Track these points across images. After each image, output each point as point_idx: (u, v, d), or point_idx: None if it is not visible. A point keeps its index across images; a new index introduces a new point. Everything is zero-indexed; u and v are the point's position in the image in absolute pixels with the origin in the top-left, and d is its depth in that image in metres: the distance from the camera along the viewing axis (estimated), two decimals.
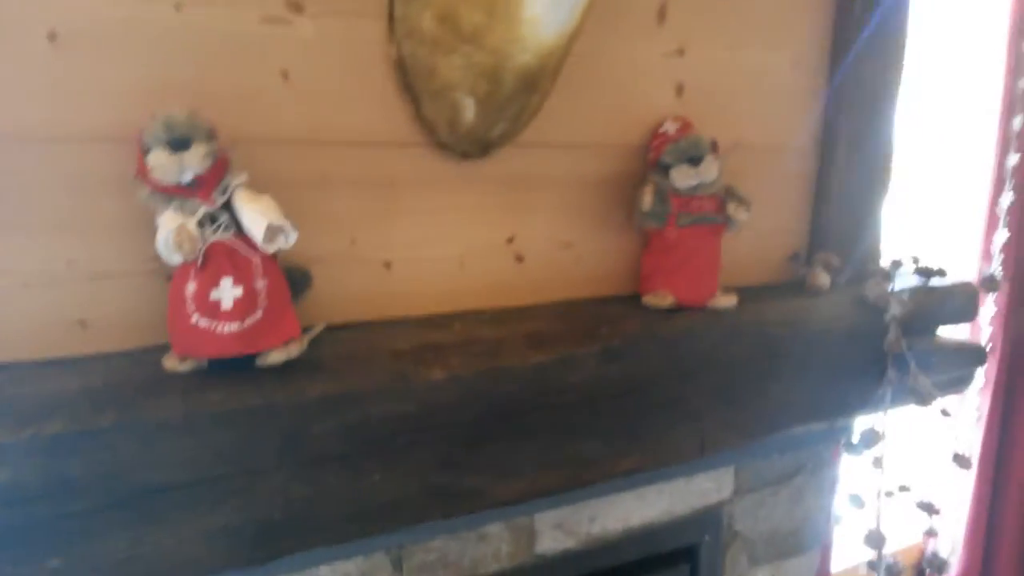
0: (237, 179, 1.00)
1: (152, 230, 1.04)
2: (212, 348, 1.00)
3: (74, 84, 0.99)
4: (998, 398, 2.34)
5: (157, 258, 1.05)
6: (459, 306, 1.30)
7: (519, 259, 1.34)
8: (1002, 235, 2.24)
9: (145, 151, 0.96)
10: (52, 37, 0.97)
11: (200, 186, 0.97)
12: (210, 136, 0.98)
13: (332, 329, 1.18)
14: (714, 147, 1.32)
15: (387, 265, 1.23)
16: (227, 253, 0.98)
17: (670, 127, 1.35)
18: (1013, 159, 2.20)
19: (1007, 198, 2.23)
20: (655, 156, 1.34)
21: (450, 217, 1.27)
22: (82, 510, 0.90)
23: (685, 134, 1.33)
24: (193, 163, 0.95)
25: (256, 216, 0.97)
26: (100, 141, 1.01)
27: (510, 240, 1.33)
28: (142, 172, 0.97)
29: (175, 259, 0.97)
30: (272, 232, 0.98)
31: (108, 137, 1.01)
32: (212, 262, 0.98)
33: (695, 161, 1.29)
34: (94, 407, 0.91)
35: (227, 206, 1.00)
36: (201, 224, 0.97)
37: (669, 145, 1.31)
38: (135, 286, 1.07)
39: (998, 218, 2.24)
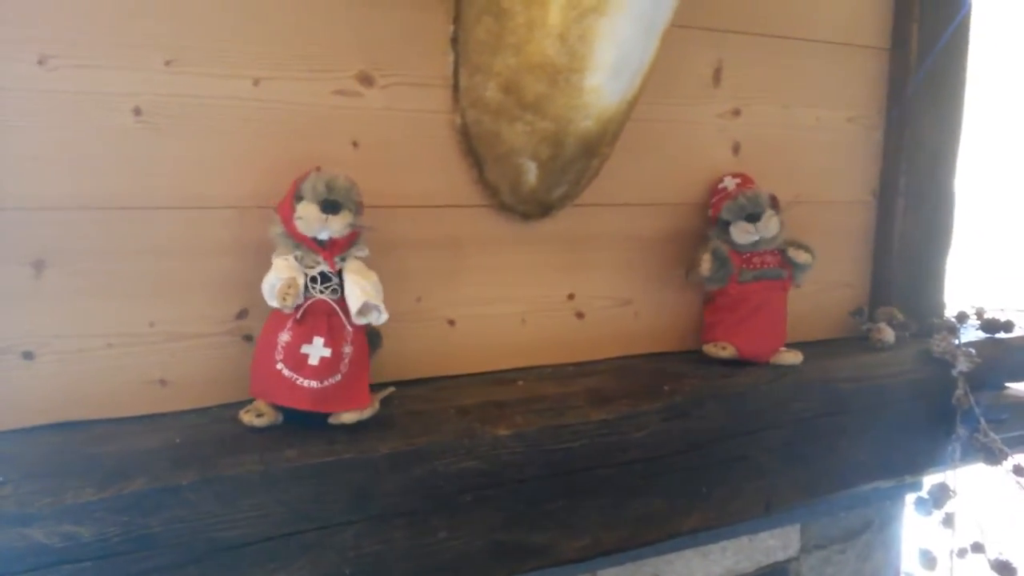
0: (360, 251, 1.07)
1: (229, 293, 1.09)
2: (287, 398, 1.03)
3: (156, 157, 1.05)
4: None
5: (236, 319, 1.10)
6: (521, 362, 1.32)
7: (579, 316, 1.36)
8: None
9: (297, 197, 1.02)
10: (137, 112, 1.04)
11: (329, 247, 1.04)
12: (358, 209, 1.05)
13: (399, 384, 1.21)
14: (774, 202, 1.33)
15: (451, 323, 1.26)
16: (326, 313, 1.03)
17: (729, 183, 1.37)
18: None
19: None
20: (715, 213, 1.35)
21: (512, 276, 1.30)
22: (162, 566, 0.93)
23: (744, 190, 1.34)
24: (335, 227, 1.02)
25: (357, 290, 1.03)
26: (180, 209, 1.07)
27: (570, 297, 1.35)
28: (285, 213, 1.03)
29: (273, 304, 1.02)
30: (366, 309, 1.03)
31: (187, 206, 1.07)
32: (310, 318, 1.03)
33: (754, 218, 1.30)
34: (174, 464, 0.94)
35: (340, 272, 1.05)
36: (313, 280, 1.03)
37: (728, 202, 1.32)
38: (212, 346, 1.11)
39: None
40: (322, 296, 1.04)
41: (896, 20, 1.56)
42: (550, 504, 1.15)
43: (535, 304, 1.32)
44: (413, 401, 1.16)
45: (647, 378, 1.30)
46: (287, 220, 1.04)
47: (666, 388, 1.26)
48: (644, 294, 1.41)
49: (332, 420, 1.05)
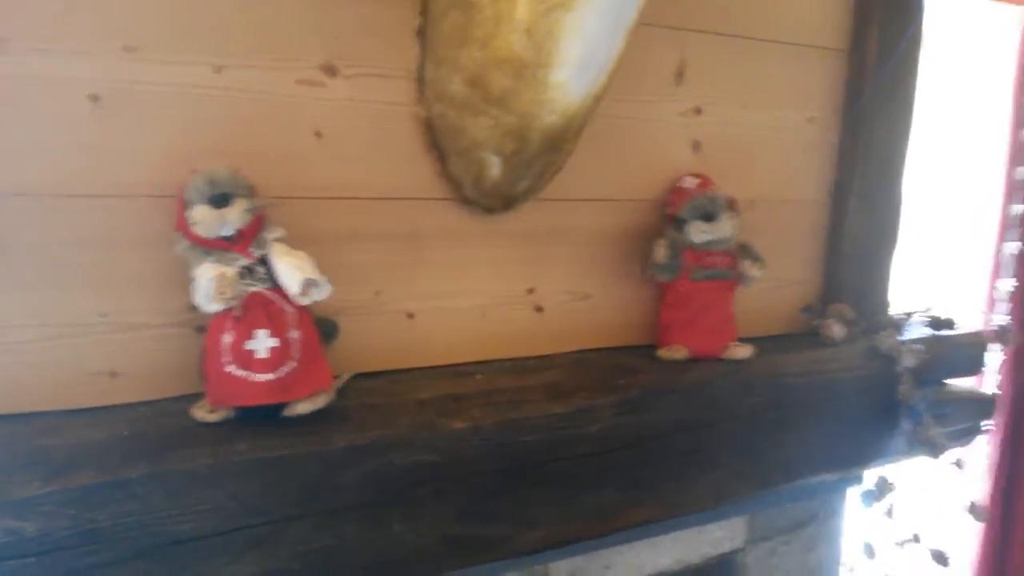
0: (273, 234, 1.04)
1: (182, 283, 1.07)
2: (246, 396, 1.02)
3: (113, 144, 1.02)
4: (1005, 446, 2.34)
5: (187, 310, 1.08)
6: (480, 356, 1.33)
7: (539, 310, 1.37)
8: (1008, 283, 2.25)
9: (187, 206, 0.99)
10: (94, 99, 1.01)
11: (238, 240, 1.01)
12: (250, 193, 1.02)
13: (357, 378, 1.21)
14: (731, 205, 1.35)
15: (411, 316, 1.26)
16: (263, 304, 1.01)
17: (689, 182, 1.38)
18: (1018, 208, 2.23)
19: (1013, 247, 2.25)
20: (673, 211, 1.37)
21: (472, 269, 1.29)
22: (108, 560, 0.91)
23: (703, 190, 1.36)
24: (233, 218, 0.99)
25: (292, 270, 1.00)
26: (136, 198, 1.05)
27: (530, 291, 1.35)
28: (182, 226, 1.00)
29: (213, 307, 1.00)
30: (307, 285, 1.01)
31: (144, 194, 1.05)
32: (248, 314, 1.01)
33: (710, 218, 1.32)
34: (123, 458, 0.93)
35: (263, 260, 1.03)
36: (240, 276, 1.00)
37: (686, 201, 1.34)
38: (164, 337, 1.09)
39: (1002, 266, 2.27)
40: (252, 288, 1.02)
41: (855, 23, 1.59)
42: (505, 497, 1.16)
43: (495, 298, 1.32)
44: (370, 394, 1.16)
45: (604, 372, 1.31)
46: (187, 232, 1.00)
47: (621, 382, 1.27)
48: (603, 289, 1.42)
49: (287, 412, 1.04)
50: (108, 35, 1.00)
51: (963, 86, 2.28)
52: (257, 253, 1.02)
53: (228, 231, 1.00)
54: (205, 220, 0.98)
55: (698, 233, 1.32)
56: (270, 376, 1.01)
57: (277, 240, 1.04)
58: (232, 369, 1.01)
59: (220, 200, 0.99)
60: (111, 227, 1.04)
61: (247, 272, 1.01)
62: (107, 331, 1.06)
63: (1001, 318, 2.17)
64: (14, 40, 0.95)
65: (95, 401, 1.06)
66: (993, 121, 2.24)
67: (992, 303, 2.28)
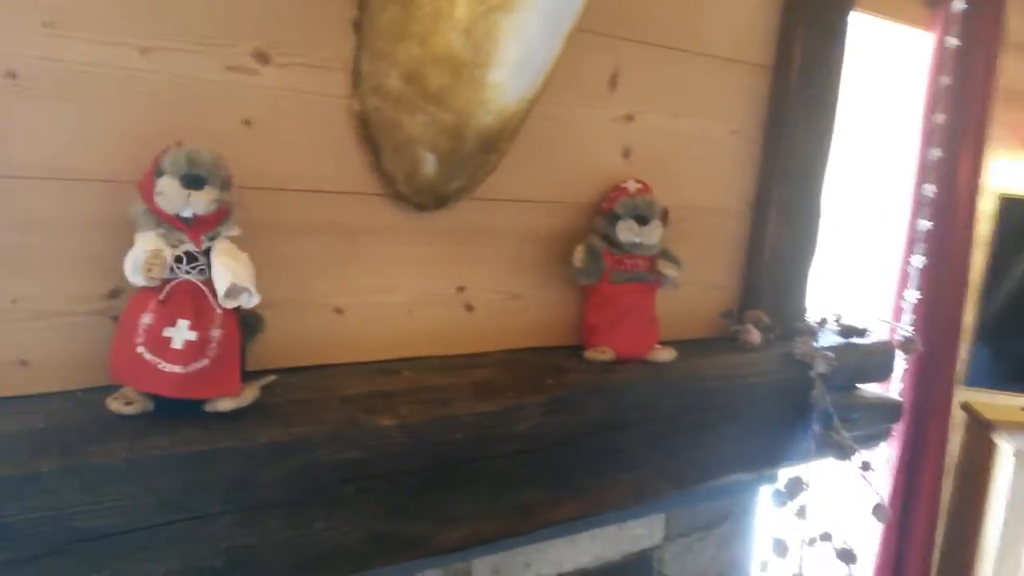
0: (229, 231, 1.02)
1: (100, 269, 1.04)
2: (149, 383, 0.99)
3: (31, 124, 0.98)
4: (906, 449, 2.47)
5: (106, 298, 1.04)
6: (409, 352, 1.32)
7: (469, 308, 1.37)
8: (913, 295, 2.38)
9: (158, 173, 0.96)
10: (11, 76, 0.96)
11: (194, 225, 0.99)
12: (224, 184, 1.00)
13: (283, 372, 1.18)
14: (664, 215, 1.39)
15: (339, 311, 1.25)
16: (192, 295, 0.99)
17: (631, 185, 1.42)
18: (924, 224, 2.35)
19: (918, 260, 2.37)
20: (608, 206, 1.40)
21: (403, 266, 1.29)
22: (19, 558, 0.87)
23: (643, 195, 1.39)
24: (199, 203, 0.97)
25: (225, 271, 0.98)
26: (52, 180, 1.00)
27: (460, 289, 1.36)
28: (145, 189, 0.97)
29: (138, 280, 0.97)
30: (235, 291, 0.99)
31: (61, 177, 1.01)
32: (175, 300, 0.98)
33: (643, 220, 1.35)
34: (35, 451, 0.89)
35: (208, 251, 1.00)
36: (179, 260, 0.98)
37: (624, 198, 1.37)
38: (80, 326, 1.05)
39: (909, 278, 2.39)
40: (188, 277, 0.99)
41: (780, 40, 1.65)
42: (431, 495, 1.16)
43: (425, 295, 1.32)
44: (296, 390, 1.14)
45: (532, 371, 1.33)
46: (148, 197, 0.98)
47: (549, 382, 1.29)
48: (533, 289, 1.44)
49: (208, 408, 1.01)
50: (26, 9, 0.95)
51: (877, 106, 2.40)
52: (206, 244, 1.00)
53: (188, 213, 0.97)
54: (170, 195, 0.95)
55: (627, 232, 1.35)
56: (178, 369, 0.98)
57: (229, 237, 1.02)
58: (143, 351, 0.98)
59: (193, 181, 0.96)
60: (25, 209, 0.99)
61: (188, 259, 0.99)
62: (18, 318, 1.01)
63: (906, 328, 2.28)
64: None
65: (5, 391, 1.01)
66: (903, 140, 2.36)
67: (898, 313, 2.39)
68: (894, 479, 2.47)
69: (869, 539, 2.52)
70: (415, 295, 1.31)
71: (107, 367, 1.02)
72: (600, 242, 1.38)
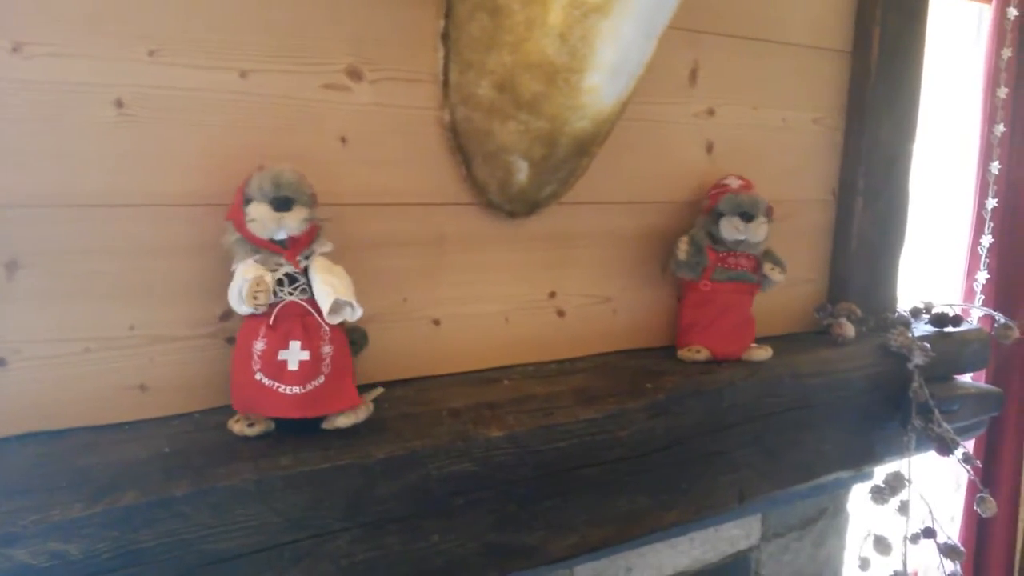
0: (322, 247, 1.03)
1: (212, 293, 1.05)
2: (272, 408, 1.00)
3: (138, 151, 1.00)
4: (984, 433, 2.38)
5: (218, 321, 1.06)
6: (505, 361, 1.32)
7: (560, 314, 1.36)
8: (983, 276, 2.30)
9: (247, 200, 0.98)
10: (119, 104, 0.98)
11: (289, 246, 1.00)
12: (311, 201, 1.00)
13: (384, 384, 1.19)
14: (768, 211, 1.36)
15: (436, 322, 1.25)
16: (299, 315, 0.99)
17: (733, 182, 1.40)
18: (991, 203, 2.27)
19: (987, 240, 2.29)
20: (711, 204, 1.38)
21: (495, 274, 1.29)
22: None
23: (746, 191, 1.37)
24: (291, 224, 0.98)
25: (327, 288, 0.98)
26: (163, 207, 1.02)
27: (552, 295, 1.35)
28: (236, 218, 0.98)
29: (244, 309, 0.98)
30: (338, 306, 0.99)
31: (171, 203, 1.03)
32: (283, 323, 0.99)
33: (747, 217, 1.33)
34: (166, 476, 0.91)
35: (306, 270, 1.01)
36: (280, 283, 0.99)
37: (728, 195, 1.35)
38: (194, 348, 1.07)
39: (979, 259, 2.31)
40: (292, 298, 1.00)
41: (858, 24, 1.61)
42: (540, 504, 1.15)
43: (518, 302, 1.32)
44: (403, 403, 1.14)
45: (629, 376, 1.31)
46: (240, 225, 0.99)
47: (648, 386, 1.27)
48: (622, 291, 1.42)
49: (326, 425, 1.02)
50: (132, 39, 0.97)
51: (935, 83, 2.32)
52: (303, 263, 1.01)
53: (282, 235, 0.99)
54: (263, 220, 0.97)
55: (731, 230, 1.33)
56: (297, 390, 0.99)
57: (324, 254, 1.03)
58: (261, 377, 0.99)
59: (282, 204, 0.97)
60: (137, 237, 1.01)
61: (289, 280, 0.99)
62: (136, 344, 1.03)
63: (984, 310, 2.20)
64: (35, 45, 0.92)
65: (125, 416, 1.03)
66: (965, 118, 2.28)
67: (970, 294, 2.31)
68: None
69: (949, 525, 2.44)
70: (510, 303, 1.31)
71: (229, 395, 1.03)
72: (704, 236, 1.36)
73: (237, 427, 1.00)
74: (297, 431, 1.01)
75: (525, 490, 1.14)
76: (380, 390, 1.15)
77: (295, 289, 1.00)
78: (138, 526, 0.86)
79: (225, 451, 0.97)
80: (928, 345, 1.56)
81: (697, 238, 1.37)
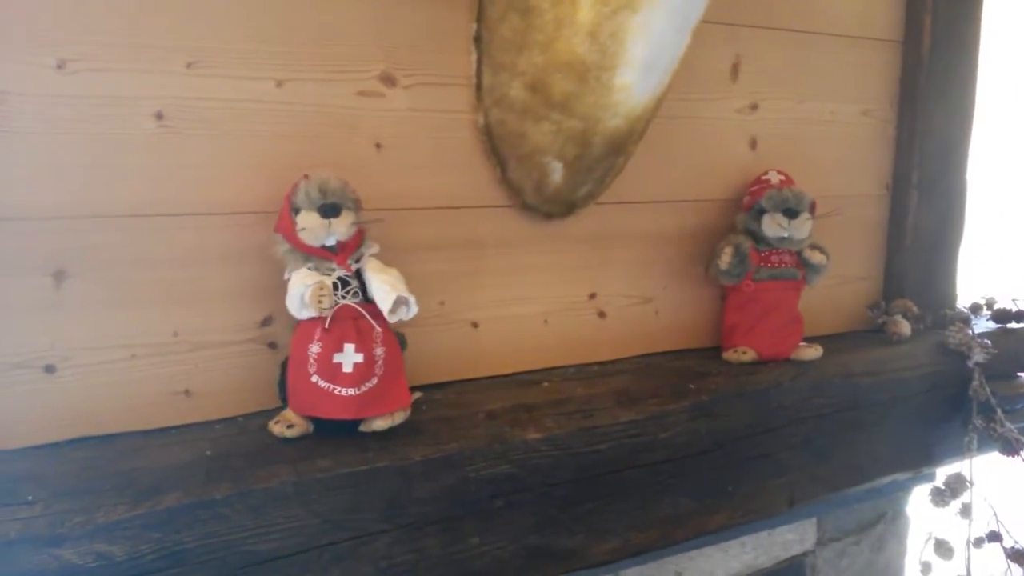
0: (371, 249, 1.05)
1: (253, 299, 1.07)
2: (329, 409, 1.01)
3: (179, 162, 1.02)
4: None
5: (259, 326, 1.08)
6: (544, 363, 1.31)
7: (601, 315, 1.35)
8: None
9: (295, 210, 1.00)
10: (159, 116, 1.01)
11: (339, 251, 1.02)
12: (356, 205, 1.03)
13: (425, 388, 1.20)
14: (812, 207, 1.32)
15: (475, 325, 1.25)
16: (353, 318, 1.01)
17: (774, 177, 1.36)
18: None
19: None
20: (751, 200, 1.35)
21: (534, 276, 1.28)
22: None
23: (789, 187, 1.34)
24: (340, 230, 1.00)
25: (386, 287, 1.00)
26: (203, 215, 1.05)
27: (592, 296, 1.34)
28: (286, 229, 1.01)
29: (304, 314, 1.00)
30: (399, 304, 1.00)
31: (211, 212, 1.05)
32: (338, 326, 1.00)
33: (791, 214, 1.29)
34: (208, 478, 0.92)
35: (358, 273, 1.03)
36: (334, 287, 1.01)
37: (771, 191, 1.31)
38: (237, 354, 1.09)
39: None
40: (345, 301, 1.02)
41: (908, 13, 1.56)
42: (579, 507, 1.14)
43: (557, 304, 1.31)
44: (441, 406, 1.15)
45: (671, 377, 1.29)
46: (290, 235, 1.01)
47: (691, 387, 1.25)
48: (665, 292, 1.40)
49: (363, 428, 1.03)
50: (170, 52, 1.00)
51: (997, 69, 2.22)
52: (354, 266, 1.03)
53: (332, 241, 1.01)
54: (313, 228, 0.99)
55: (775, 227, 1.30)
56: (353, 391, 1.01)
57: (373, 256, 1.05)
58: (317, 380, 1.01)
59: (329, 210, 0.99)
60: (179, 245, 1.04)
61: (343, 283, 1.02)
62: (180, 350, 1.06)
63: None
64: (77, 61, 0.95)
65: (171, 420, 1.06)
66: None
67: None
68: None
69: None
70: (549, 305, 1.30)
71: (273, 391, 1.06)
72: (748, 242, 1.33)
73: (277, 429, 1.02)
74: (335, 433, 1.02)
75: (565, 492, 1.12)
76: (419, 395, 1.15)
77: (348, 292, 1.02)
78: (180, 528, 0.88)
79: (265, 454, 0.98)
80: (989, 342, 1.49)
81: (741, 245, 1.33)
